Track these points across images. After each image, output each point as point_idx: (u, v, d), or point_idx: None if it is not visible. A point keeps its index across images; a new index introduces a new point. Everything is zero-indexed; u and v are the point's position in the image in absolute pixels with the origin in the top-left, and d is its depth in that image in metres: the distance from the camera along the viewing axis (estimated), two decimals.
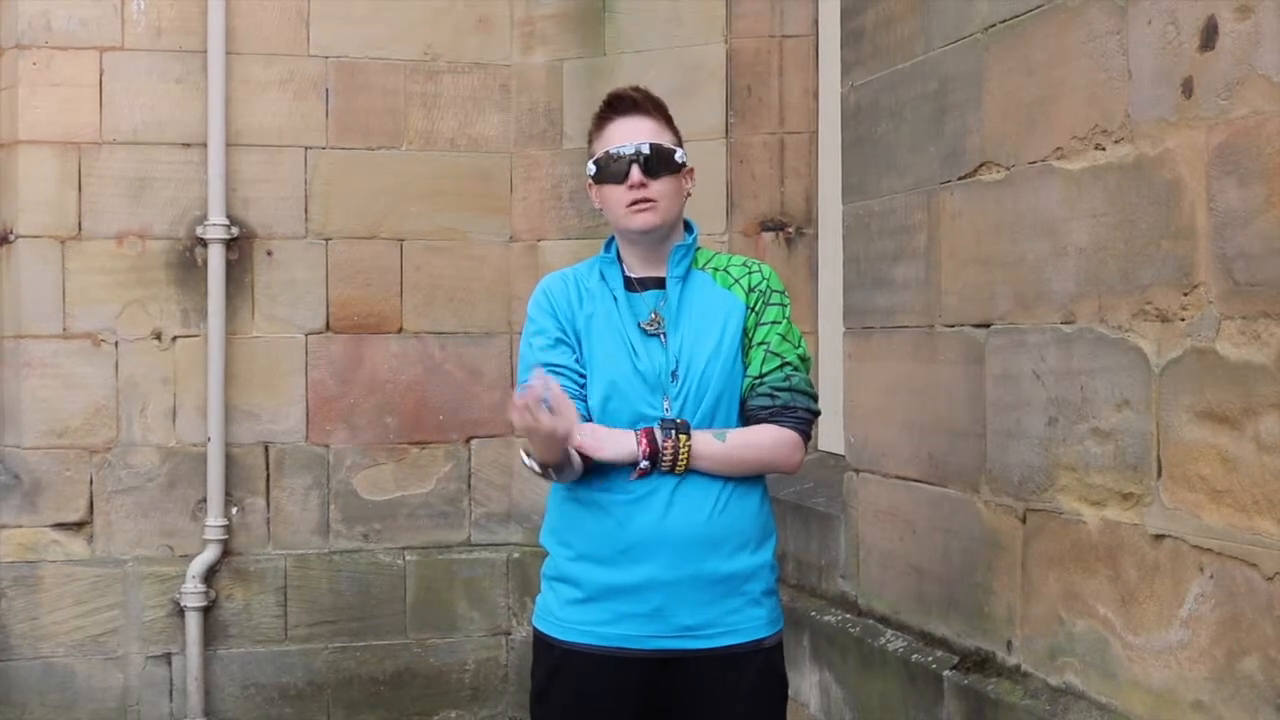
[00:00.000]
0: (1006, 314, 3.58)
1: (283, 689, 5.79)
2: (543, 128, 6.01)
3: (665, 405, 2.93)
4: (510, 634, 6.02)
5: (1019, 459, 3.52)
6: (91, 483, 5.65)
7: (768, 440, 2.97)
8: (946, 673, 3.81)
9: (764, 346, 2.99)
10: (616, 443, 2.89)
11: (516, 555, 6.00)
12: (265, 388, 5.80)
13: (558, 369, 2.96)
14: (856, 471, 4.46)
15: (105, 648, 5.62)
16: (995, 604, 3.65)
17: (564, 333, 3.01)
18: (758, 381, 2.98)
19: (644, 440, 2.87)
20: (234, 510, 5.76)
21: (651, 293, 3.01)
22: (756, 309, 3.01)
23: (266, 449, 5.82)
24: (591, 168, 3.02)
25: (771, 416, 2.97)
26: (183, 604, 5.64)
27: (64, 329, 5.62)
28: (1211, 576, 2.85)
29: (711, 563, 2.92)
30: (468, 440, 6.02)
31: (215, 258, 5.69)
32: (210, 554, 5.69)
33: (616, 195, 2.98)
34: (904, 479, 4.15)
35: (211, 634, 5.71)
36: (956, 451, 3.83)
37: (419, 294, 5.97)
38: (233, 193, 5.74)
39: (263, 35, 5.79)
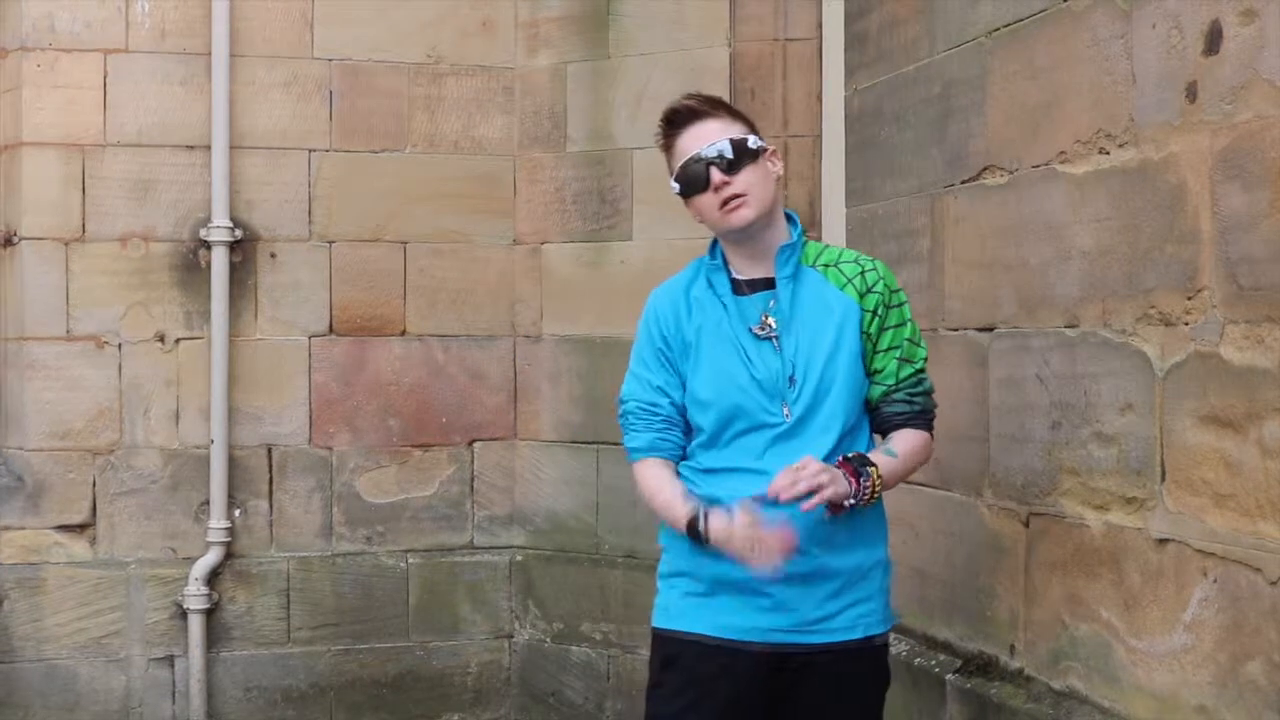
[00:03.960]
0: (1010, 318, 3.58)
1: (285, 691, 5.79)
2: (547, 130, 6.01)
3: (785, 412, 2.92)
4: (513, 637, 6.02)
5: (1022, 463, 3.52)
6: (94, 485, 5.64)
7: (920, 448, 3.02)
8: (949, 676, 3.80)
9: (895, 351, 2.99)
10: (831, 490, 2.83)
11: (519, 558, 6.00)
12: (268, 390, 5.80)
13: (661, 391, 2.99)
14: None
15: (108, 650, 5.62)
16: (998, 608, 3.65)
17: (667, 349, 3.00)
18: (895, 388, 2.99)
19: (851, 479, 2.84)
20: (237, 512, 5.75)
21: (761, 294, 2.98)
22: (878, 312, 2.99)
23: (269, 451, 5.81)
24: (675, 186, 3.01)
25: (910, 422, 3.00)
26: (185, 606, 5.64)
27: (67, 331, 5.62)
28: (1215, 580, 2.85)
29: (832, 558, 2.92)
30: (471, 443, 6.02)
31: (219, 260, 5.69)
32: (213, 556, 5.68)
33: (707, 202, 2.96)
34: (907, 482, 4.14)
35: (214, 636, 5.71)
36: (960, 455, 3.82)
37: (422, 296, 5.97)
38: (236, 195, 5.74)
39: (266, 37, 5.79)
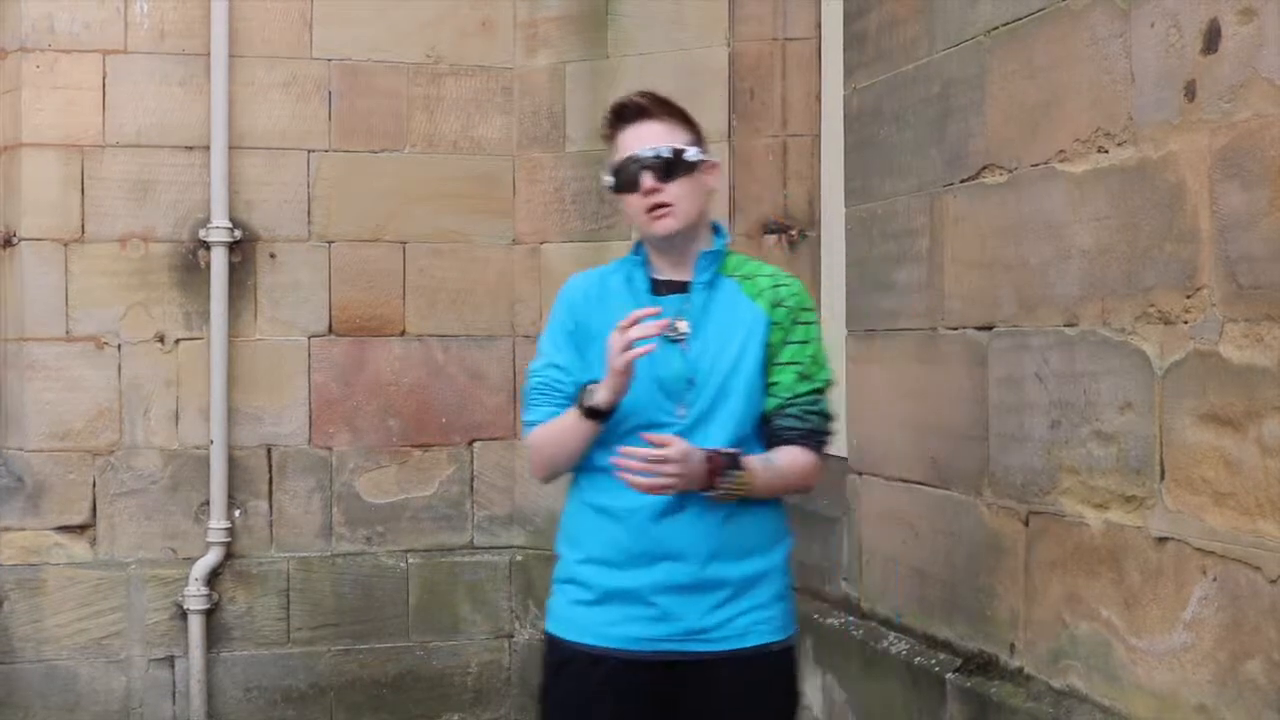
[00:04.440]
0: (1009, 317, 3.58)
1: (285, 692, 5.79)
2: (545, 130, 6.01)
3: (680, 413, 2.92)
4: (513, 637, 6.02)
5: (1022, 462, 3.52)
6: (94, 485, 5.65)
7: (804, 467, 3.00)
8: (949, 675, 3.81)
9: (796, 367, 2.98)
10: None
11: (519, 558, 6.00)
12: (268, 390, 5.80)
13: (564, 370, 3.00)
14: (859, 474, 4.46)
15: (108, 650, 5.62)
16: (998, 607, 3.65)
17: (575, 334, 3.02)
18: (789, 402, 2.97)
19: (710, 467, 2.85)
20: (237, 513, 5.76)
21: (676, 297, 3.00)
22: (785, 325, 2.99)
23: (269, 451, 5.82)
24: (609, 180, 3.03)
25: (800, 439, 2.98)
26: (185, 607, 5.64)
27: (67, 331, 5.62)
28: (1215, 579, 2.85)
29: (720, 567, 2.92)
30: (470, 443, 6.02)
31: (218, 260, 5.69)
32: (213, 557, 5.68)
33: (634, 204, 2.98)
34: (907, 482, 4.15)
35: (214, 637, 5.71)
36: (959, 454, 3.83)
37: (422, 296, 5.97)
38: (235, 195, 5.75)
39: (265, 38, 5.79)
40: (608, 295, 3.03)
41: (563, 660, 3.00)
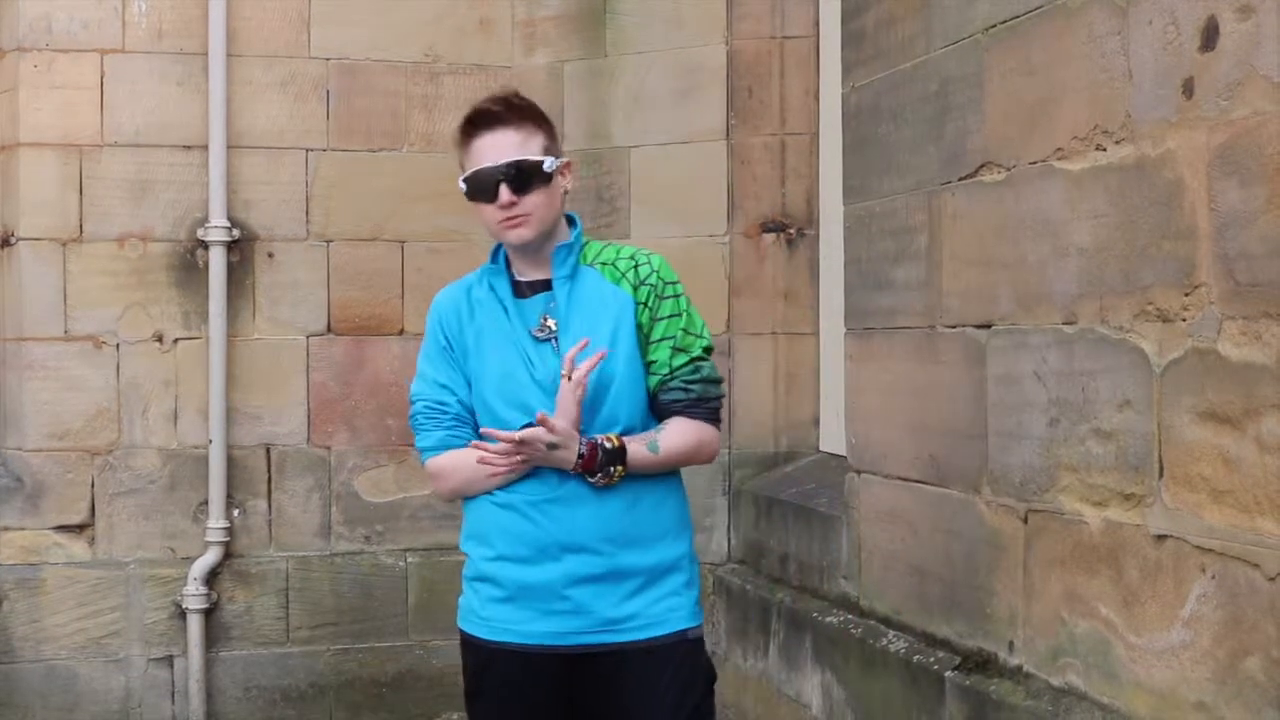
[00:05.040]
0: (1008, 315, 3.58)
1: (284, 691, 5.79)
2: None
3: None
4: None
5: (1020, 460, 3.52)
6: (93, 485, 5.64)
7: (693, 438, 3.02)
8: (948, 674, 3.81)
9: (669, 341, 3.01)
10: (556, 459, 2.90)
11: None
12: (267, 390, 5.80)
13: (448, 389, 3.05)
14: (858, 473, 4.46)
15: (107, 650, 5.62)
16: (997, 605, 3.65)
17: (450, 350, 3.05)
18: (669, 376, 3.00)
19: (587, 454, 2.89)
20: (235, 512, 5.75)
21: (541, 296, 3.01)
22: (649, 304, 3.01)
23: (268, 451, 5.81)
24: (463, 186, 3.02)
25: (686, 410, 3.01)
26: (184, 606, 5.64)
27: (65, 331, 5.62)
28: (1213, 577, 2.85)
29: (630, 556, 2.94)
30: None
31: (216, 260, 5.69)
32: (212, 556, 5.68)
33: (489, 213, 2.99)
34: (905, 480, 4.15)
35: (213, 636, 5.71)
36: (958, 452, 3.83)
37: (420, 296, 5.96)
38: (234, 195, 5.74)
39: (263, 37, 5.79)
40: (475, 306, 3.06)
41: (483, 660, 3.02)
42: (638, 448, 2.94)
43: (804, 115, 5.67)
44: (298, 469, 5.84)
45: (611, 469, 2.91)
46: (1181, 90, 2.92)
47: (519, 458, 2.88)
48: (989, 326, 3.67)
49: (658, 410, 3.02)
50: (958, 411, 3.82)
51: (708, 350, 3.06)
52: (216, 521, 5.68)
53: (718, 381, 3.07)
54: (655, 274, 3.03)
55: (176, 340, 5.71)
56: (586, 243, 3.08)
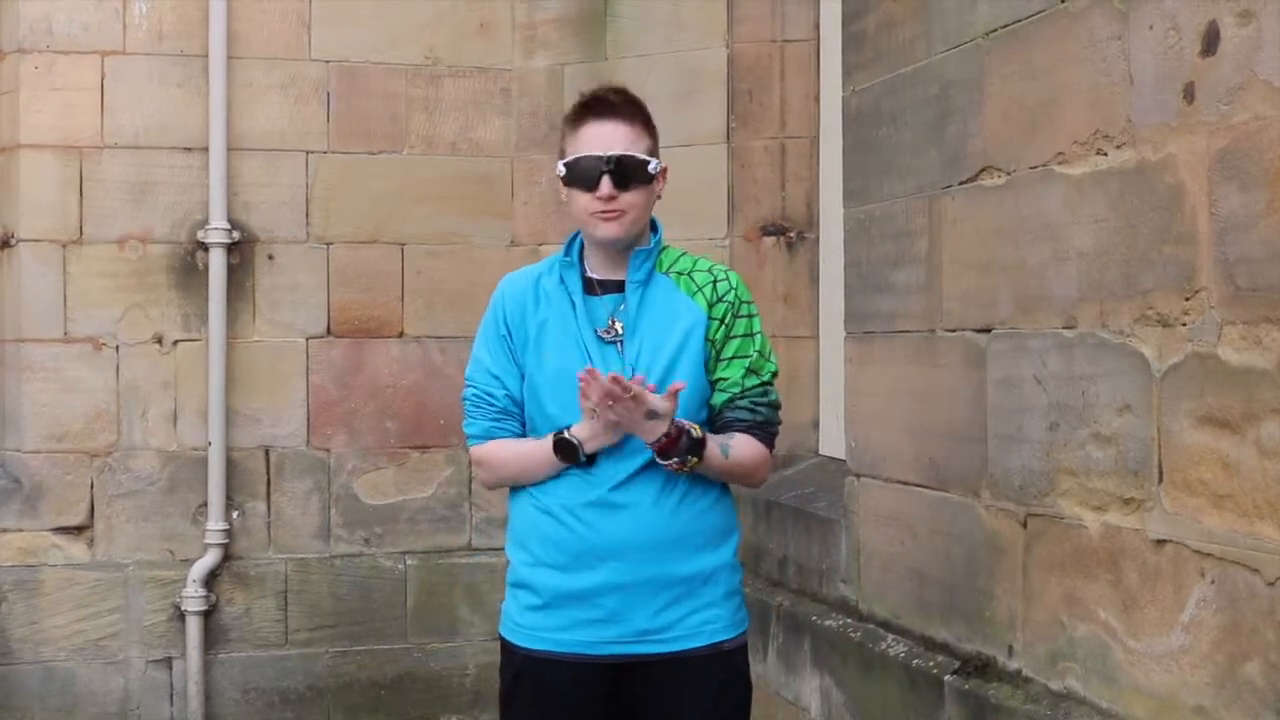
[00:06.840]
0: (1007, 319, 3.58)
1: (283, 693, 5.79)
2: (544, 132, 6.01)
3: None
4: None
5: (1020, 463, 3.52)
6: (92, 487, 5.64)
7: (757, 456, 3.01)
8: (947, 677, 3.80)
9: (743, 361, 2.99)
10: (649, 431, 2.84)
11: None
12: (266, 392, 5.80)
13: (499, 380, 3.01)
14: (857, 476, 4.46)
15: (106, 652, 5.62)
16: (996, 608, 3.65)
17: (509, 339, 3.01)
18: (739, 395, 2.98)
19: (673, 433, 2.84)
20: (235, 514, 5.75)
21: (611, 297, 2.98)
22: (725, 321, 2.99)
23: (267, 453, 5.81)
24: (561, 168, 2.97)
25: (749, 430, 2.99)
26: (183, 608, 5.64)
27: (65, 333, 5.62)
28: (1213, 581, 2.85)
29: (668, 565, 2.91)
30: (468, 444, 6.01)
31: (216, 262, 5.69)
32: (211, 558, 5.68)
33: (584, 201, 2.93)
34: (905, 483, 4.14)
35: (212, 638, 5.71)
36: (958, 456, 3.83)
37: (420, 298, 5.97)
38: (234, 197, 5.75)
39: (264, 39, 5.79)
40: (542, 298, 3.02)
41: (519, 667, 3.00)
42: (713, 446, 2.91)
43: (804, 118, 5.67)
44: (297, 471, 5.84)
45: (690, 457, 2.86)
46: (1182, 95, 2.92)
47: (612, 405, 2.78)
48: (989, 330, 3.67)
49: (719, 426, 2.99)
50: (957, 415, 3.82)
51: (774, 375, 3.05)
52: (215, 523, 5.68)
53: (779, 408, 3.06)
54: (733, 291, 3.02)
55: (176, 342, 5.71)
56: (664, 249, 3.05)
